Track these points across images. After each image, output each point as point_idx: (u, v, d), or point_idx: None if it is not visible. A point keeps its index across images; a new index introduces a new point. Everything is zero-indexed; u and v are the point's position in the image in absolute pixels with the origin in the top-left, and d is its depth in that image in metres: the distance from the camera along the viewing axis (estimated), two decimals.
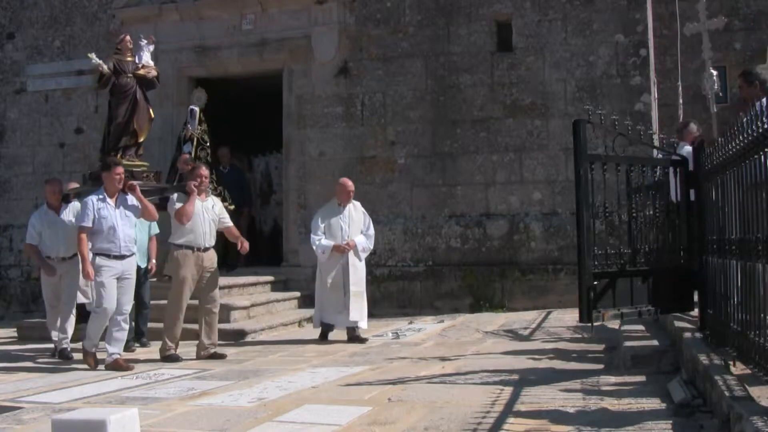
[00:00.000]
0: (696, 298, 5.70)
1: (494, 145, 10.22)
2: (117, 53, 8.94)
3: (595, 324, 5.47)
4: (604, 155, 5.53)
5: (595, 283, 5.22)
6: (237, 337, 8.26)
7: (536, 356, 6.29)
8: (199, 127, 10.09)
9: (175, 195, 7.36)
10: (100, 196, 6.90)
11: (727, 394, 3.46)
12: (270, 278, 10.23)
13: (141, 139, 8.97)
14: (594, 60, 9.96)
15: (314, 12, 10.98)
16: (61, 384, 6.07)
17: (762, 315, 3.76)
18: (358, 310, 7.84)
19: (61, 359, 7.35)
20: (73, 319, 7.65)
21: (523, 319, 8.80)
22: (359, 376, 5.77)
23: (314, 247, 7.95)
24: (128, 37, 8.98)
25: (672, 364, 5.27)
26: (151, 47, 9.09)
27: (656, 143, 6.54)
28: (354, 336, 7.88)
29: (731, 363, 4.12)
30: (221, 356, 7.16)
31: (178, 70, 11.58)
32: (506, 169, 10.17)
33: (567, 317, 8.40)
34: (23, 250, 7.95)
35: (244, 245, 7.47)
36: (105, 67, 8.61)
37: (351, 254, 7.91)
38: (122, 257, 6.84)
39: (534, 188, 10.07)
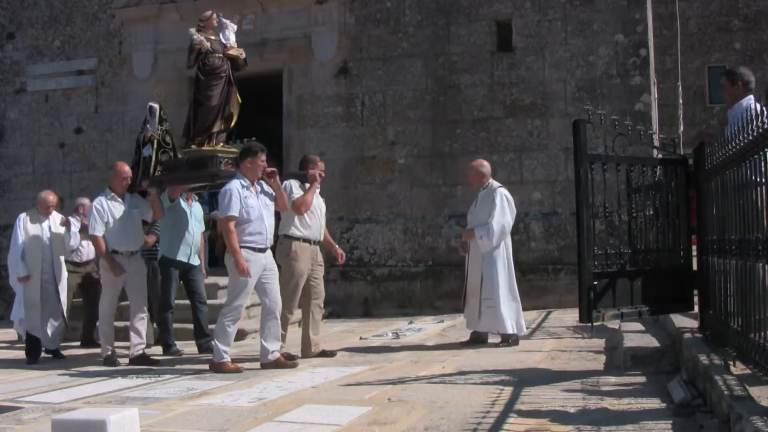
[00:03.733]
0: (696, 298, 5.70)
1: (494, 145, 10.22)
2: (201, 31, 8.14)
3: (595, 324, 5.47)
4: (604, 155, 5.53)
5: (595, 283, 5.22)
6: (237, 337, 8.19)
7: (536, 356, 6.29)
8: (159, 127, 9.10)
9: (294, 184, 6.88)
10: (244, 183, 6.36)
11: (727, 394, 3.46)
12: None
13: (232, 124, 8.24)
14: (594, 60, 9.96)
15: (314, 12, 10.99)
16: (61, 384, 6.07)
17: (762, 315, 3.76)
18: (472, 311, 7.02)
19: (142, 363, 6.86)
20: (146, 319, 7.31)
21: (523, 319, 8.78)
22: (359, 376, 5.77)
23: None
24: (215, 15, 8.19)
25: (672, 364, 5.27)
26: (235, 27, 8.32)
27: (656, 143, 6.54)
28: (504, 339, 7.03)
29: (731, 363, 4.12)
30: (331, 354, 6.80)
31: (178, 70, 11.56)
32: (506, 169, 10.16)
33: (567, 317, 8.40)
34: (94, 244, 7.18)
35: (342, 258, 7.25)
36: (207, 44, 7.88)
37: (474, 247, 7.07)
38: (264, 250, 6.38)
39: (534, 188, 10.07)
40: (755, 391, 3.45)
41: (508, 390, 4.81)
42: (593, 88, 9.92)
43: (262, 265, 6.35)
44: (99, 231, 6.98)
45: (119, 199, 7.15)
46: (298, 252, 6.73)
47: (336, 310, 10.41)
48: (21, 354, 7.87)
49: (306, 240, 6.80)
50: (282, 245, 6.77)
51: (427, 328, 8.62)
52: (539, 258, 9.95)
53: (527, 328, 8.04)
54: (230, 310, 6.32)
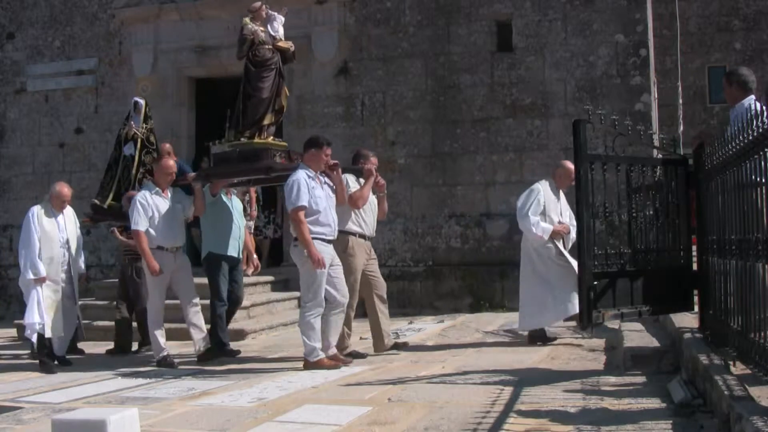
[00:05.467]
0: (696, 298, 5.70)
1: (494, 145, 10.23)
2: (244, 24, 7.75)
3: (595, 324, 5.47)
4: (604, 155, 5.54)
5: (595, 283, 5.22)
6: (237, 337, 8.24)
7: (536, 356, 6.29)
8: (144, 125, 8.65)
9: (350, 178, 6.79)
10: (310, 174, 6.26)
11: (727, 394, 3.46)
12: (270, 278, 10.23)
13: (281, 117, 7.96)
14: (594, 60, 9.96)
15: (314, 12, 10.98)
16: (61, 384, 6.07)
17: (762, 315, 3.76)
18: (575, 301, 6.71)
19: (210, 358, 6.73)
20: (200, 312, 7.05)
21: None
22: (359, 376, 5.77)
23: (533, 230, 6.95)
24: (264, 6, 7.84)
25: (672, 364, 5.27)
26: (283, 20, 7.97)
27: (656, 143, 6.54)
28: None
29: (731, 363, 4.12)
30: (404, 344, 6.69)
31: (178, 70, 11.59)
32: (506, 169, 10.17)
33: None
34: (134, 239, 6.85)
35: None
36: (262, 35, 7.58)
37: (555, 242, 7.06)
38: (332, 242, 6.30)
39: None
40: (755, 391, 3.45)
41: (508, 390, 4.81)
42: (593, 88, 9.92)
43: (331, 256, 6.27)
44: (142, 226, 6.75)
45: (163, 194, 6.97)
46: (354, 248, 6.66)
47: None
48: (20, 353, 7.86)
49: (362, 236, 6.74)
50: (338, 241, 6.59)
51: (427, 328, 8.62)
52: None
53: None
54: (314, 305, 6.16)
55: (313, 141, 6.52)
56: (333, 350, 6.32)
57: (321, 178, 6.39)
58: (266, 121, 7.46)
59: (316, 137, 6.63)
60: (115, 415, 3.70)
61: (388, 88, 10.66)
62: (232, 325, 8.49)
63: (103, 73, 11.85)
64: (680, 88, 11.63)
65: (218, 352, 6.99)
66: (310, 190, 6.16)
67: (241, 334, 8.32)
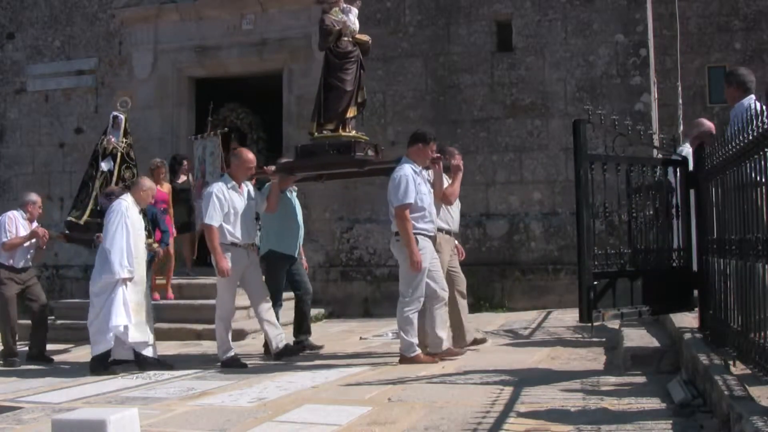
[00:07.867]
0: (696, 298, 5.70)
1: (494, 145, 10.23)
2: (325, 13, 7.52)
3: (595, 324, 5.47)
4: (604, 155, 5.53)
5: (595, 283, 5.22)
6: (237, 337, 8.23)
7: (536, 356, 6.29)
8: (123, 140, 8.52)
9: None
10: (416, 169, 6.13)
11: (727, 394, 3.46)
12: None
13: (363, 110, 7.69)
14: (594, 60, 9.96)
15: (314, 12, 10.90)
16: (61, 384, 6.07)
17: (762, 315, 3.76)
18: None
19: (289, 354, 6.60)
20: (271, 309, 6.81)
21: (523, 319, 8.80)
22: (359, 376, 5.77)
23: None
24: None
25: (672, 364, 5.27)
26: (356, 12, 7.69)
27: (656, 143, 6.54)
28: None
29: (731, 363, 4.12)
30: (483, 341, 6.63)
31: (178, 70, 11.60)
32: (506, 169, 10.17)
33: (567, 317, 8.39)
34: (204, 232, 6.60)
35: (463, 255, 6.99)
36: (351, 26, 7.37)
37: None
38: (435, 237, 6.22)
39: (534, 188, 10.08)
40: (755, 391, 3.45)
41: (508, 390, 4.81)
42: (593, 88, 9.93)
43: (432, 251, 6.18)
44: (216, 221, 6.40)
45: (239, 189, 6.64)
46: (442, 244, 6.55)
47: (336, 310, 10.41)
48: (20, 353, 7.83)
49: (448, 231, 6.67)
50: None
51: None
52: (539, 258, 9.95)
53: (527, 328, 8.06)
54: (413, 300, 6.08)
55: (420, 136, 6.39)
56: (446, 344, 6.25)
57: (425, 173, 6.31)
58: (350, 114, 7.25)
59: (423, 132, 6.49)
60: (115, 415, 3.70)
61: (388, 88, 10.66)
62: (233, 325, 8.49)
63: (103, 73, 11.86)
64: (680, 88, 11.64)
65: (295, 349, 6.85)
66: (416, 186, 6.06)
67: (241, 334, 8.32)
